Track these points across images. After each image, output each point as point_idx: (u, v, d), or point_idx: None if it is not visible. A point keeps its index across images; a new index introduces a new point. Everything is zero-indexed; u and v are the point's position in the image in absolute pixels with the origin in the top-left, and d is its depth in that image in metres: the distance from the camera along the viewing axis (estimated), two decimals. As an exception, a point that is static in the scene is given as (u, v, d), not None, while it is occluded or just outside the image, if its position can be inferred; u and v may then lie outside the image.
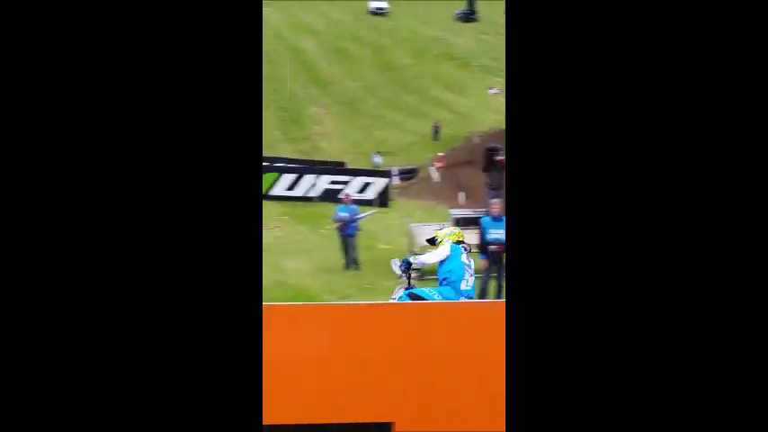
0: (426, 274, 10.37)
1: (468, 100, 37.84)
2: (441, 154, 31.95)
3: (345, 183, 25.73)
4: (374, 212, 19.23)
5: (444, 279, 7.50)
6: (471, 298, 7.56)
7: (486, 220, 11.93)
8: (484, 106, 36.62)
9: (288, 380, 4.80)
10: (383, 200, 26.16)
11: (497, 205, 11.81)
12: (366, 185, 26.51)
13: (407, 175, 30.88)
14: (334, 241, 16.00)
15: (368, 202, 24.28)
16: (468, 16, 38.87)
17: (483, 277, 11.35)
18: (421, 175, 31.53)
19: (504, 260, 10.77)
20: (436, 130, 34.96)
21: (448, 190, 28.52)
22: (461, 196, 26.96)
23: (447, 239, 7.67)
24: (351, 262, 15.18)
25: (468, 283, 7.49)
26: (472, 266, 7.65)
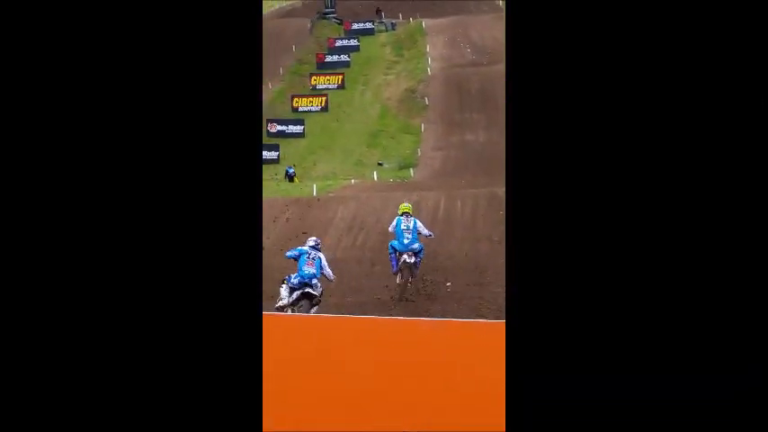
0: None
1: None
2: None
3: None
4: None
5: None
6: (406, 247, 12.31)
7: None
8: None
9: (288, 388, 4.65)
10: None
11: None
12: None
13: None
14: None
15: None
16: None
17: None
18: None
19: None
20: None
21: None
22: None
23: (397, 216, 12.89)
24: None
25: (405, 239, 12.37)
26: (410, 227, 12.47)
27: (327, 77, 42.39)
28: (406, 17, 52.27)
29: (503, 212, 20.71)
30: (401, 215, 12.60)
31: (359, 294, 13.12)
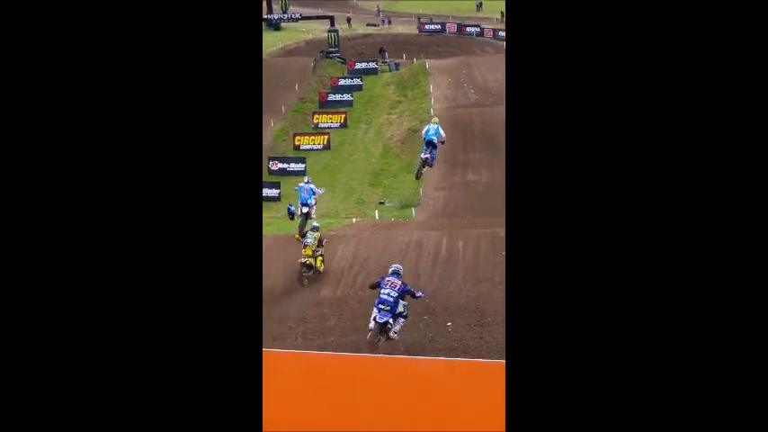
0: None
1: None
2: None
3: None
4: None
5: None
6: (428, 137, 19.95)
7: None
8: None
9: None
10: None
11: None
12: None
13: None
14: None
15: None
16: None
17: None
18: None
19: None
20: None
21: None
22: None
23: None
24: None
25: (428, 133, 20.04)
26: (431, 130, 19.96)
27: (330, 116, 42.51)
28: (410, 57, 52.63)
29: (504, 253, 20.78)
30: (431, 123, 20.49)
31: (359, 333, 12.96)
